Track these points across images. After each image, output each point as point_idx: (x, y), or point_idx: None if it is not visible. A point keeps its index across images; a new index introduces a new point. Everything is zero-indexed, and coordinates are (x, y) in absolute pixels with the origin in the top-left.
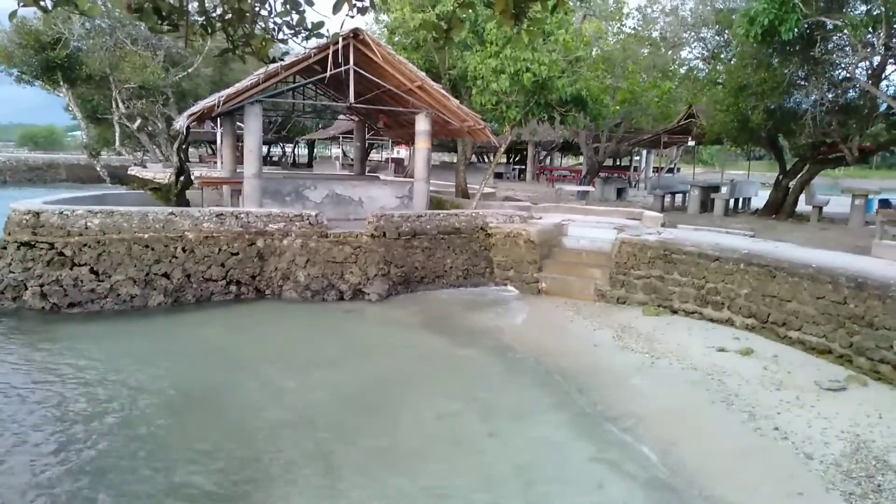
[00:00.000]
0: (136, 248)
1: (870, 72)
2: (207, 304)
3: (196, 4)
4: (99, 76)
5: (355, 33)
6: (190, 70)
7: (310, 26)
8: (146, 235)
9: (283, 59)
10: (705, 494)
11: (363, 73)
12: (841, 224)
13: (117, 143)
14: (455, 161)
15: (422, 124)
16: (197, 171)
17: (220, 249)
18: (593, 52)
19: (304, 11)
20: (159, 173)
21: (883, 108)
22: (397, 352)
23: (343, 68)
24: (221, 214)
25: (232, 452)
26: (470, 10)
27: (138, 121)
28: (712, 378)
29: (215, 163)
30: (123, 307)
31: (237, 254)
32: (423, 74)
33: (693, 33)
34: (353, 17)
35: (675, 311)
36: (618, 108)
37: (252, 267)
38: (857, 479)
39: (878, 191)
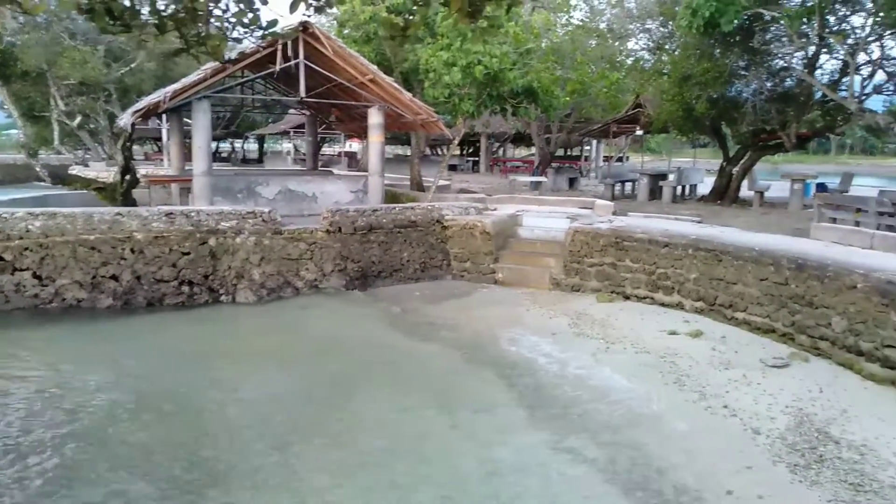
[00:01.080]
0: (82, 250)
1: (805, 61)
2: (159, 305)
3: (148, 4)
4: (35, 72)
5: (304, 27)
6: (133, 65)
7: (264, 24)
8: (92, 237)
9: (237, 59)
10: (662, 473)
11: (314, 66)
12: (781, 208)
13: (56, 141)
14: (409, 154)
15: (374, 118)
16: (143, 170)
17: (170, 249)
18: (543, 44)
19: (258, 10)
20: (102, 172)
21: (818, 95)
22: (356, 347)
23: (293, 62)
24: (171, 213)
25: (187, 455)
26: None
27: (79, 118)
28: (665, 360)
29: (162, 160)
30: (70, 311)
31: (189, 253)
32: (374, 68)
33: (639, 24)
34: (309, 16)
35: (627, 297)
36: (568, 98)
37: (205, 266)
38: (801, 451)
39: (815, 175)
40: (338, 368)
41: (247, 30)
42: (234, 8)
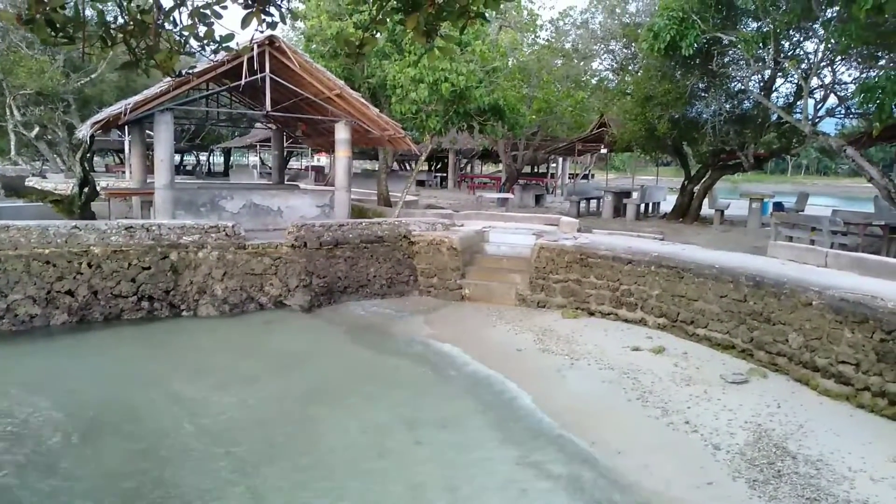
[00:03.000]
0: (36, 264)
1: (762, 84)
2: (117, 321)
3: (94, 15)
4: None
5: (271, 41)
6: (93, 76)
7: (218, 39)
8: (47, 251)
9: (190, 73)
10: (625, 490)
11: (280, 80)
12: (740, 226)
13: (13, 152)
14: (377, 169)
15: (341, 133)
16: (103, 182)
17: (129, 264)
18: (509, 63)
19: (212, 24)
20: (61, 184)
21: (774, 118)
22: (320, 364)
23: (259, 76)
24: (131, 227)
25: (146, 477)
26: (388, 21)
27: (36, 129)
28: (628, 376)
29: (123, 172)
30: (22, 328)
31: (149, 268)
32: (341, 83)
33: (603, 46)
34: (262, 31)
35: (592, 313)
36: (534, 117)
37: (165, 281)
38: (759, 467)
39: (772, 195)
40: (302, 385)
41: (201, 44)
42: (186, 21)
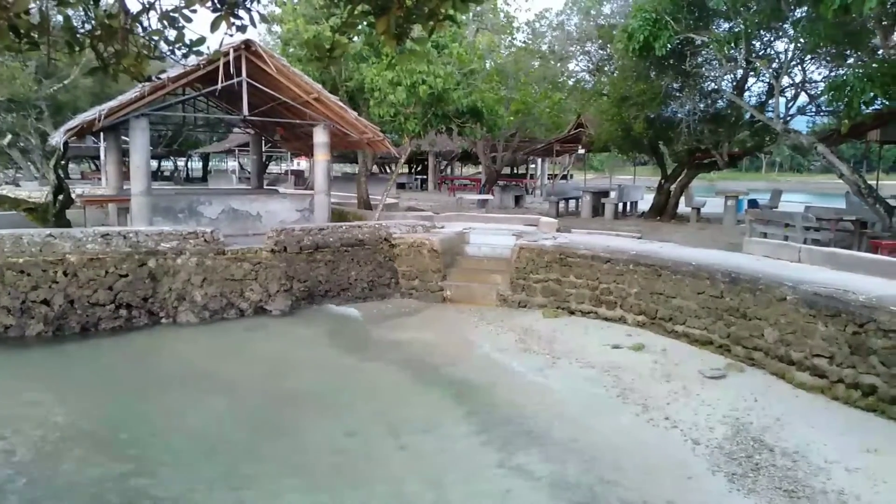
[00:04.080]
0: (10, 274)
1: (734, 84)
2: (94, 330)
3: (61, 20)
4: None
5: (247, 45)
6: (66, 82)
7: (189, 43)
8: (21, 260)
9: (159, 78)
10: (608, 486)
11: (257, 85)
12: (716, 223)
13: None
14: (356, 172)
15: (320, 136)
16: (79, 189)
17: (106, 272)
18: (487, 65)
19: (182, 27)
20: (34, 192)
21: (747, 116)
22: (302, 369)
23: (235, 80)
24: (107, 234)
25: (125, 487)
26: (358, 24)
27: (8, 137)
28: (608, 374)
29: (99, 179)
30: None
31: (126, 276)
32: (319, 86)
33: (579, 47)
34: (232, 35)
35: (572, 312)
36: (512, 118)
37: (143, 289)
38: (738, 460)
39: (746, 192)
40: (284, 391)
41: (171, 48)
42: (156, 25)
